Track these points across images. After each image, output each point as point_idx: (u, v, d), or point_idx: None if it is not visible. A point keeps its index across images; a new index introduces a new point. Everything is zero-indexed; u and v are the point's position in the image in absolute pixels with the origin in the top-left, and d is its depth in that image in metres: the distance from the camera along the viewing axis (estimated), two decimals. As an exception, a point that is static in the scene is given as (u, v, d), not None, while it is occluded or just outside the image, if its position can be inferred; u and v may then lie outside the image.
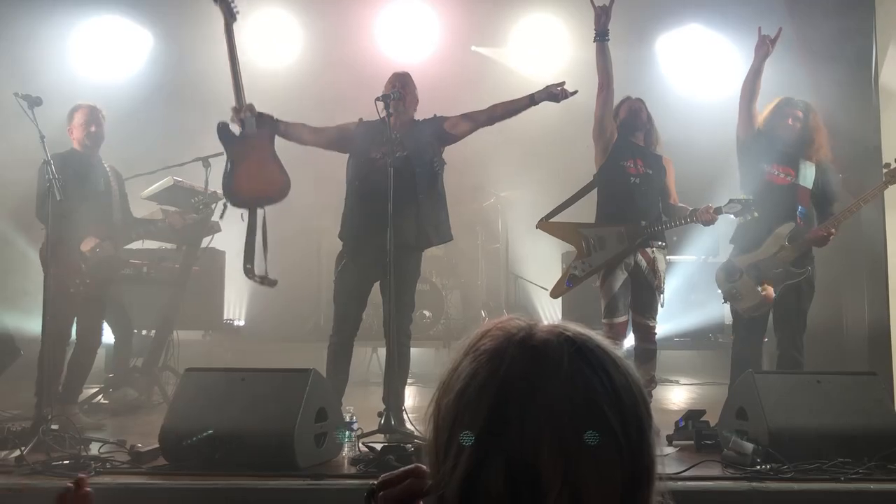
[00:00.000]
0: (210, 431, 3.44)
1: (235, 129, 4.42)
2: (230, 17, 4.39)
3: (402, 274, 4.36)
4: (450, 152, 4.86)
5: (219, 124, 4.41)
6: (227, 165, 4.40)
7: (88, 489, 1.25)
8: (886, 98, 6.01)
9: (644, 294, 4.61)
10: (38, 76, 5.69)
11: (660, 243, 4.66)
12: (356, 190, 4.54)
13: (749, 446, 3.51)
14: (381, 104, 4.35)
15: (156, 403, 5.49)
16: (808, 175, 4.57)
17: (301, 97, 7.56)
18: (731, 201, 4.54)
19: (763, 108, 4.74)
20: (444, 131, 4.56)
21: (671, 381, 7.25)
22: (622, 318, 4.57)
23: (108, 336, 5.44)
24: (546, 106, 7.97)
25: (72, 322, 4.85)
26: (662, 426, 4.14)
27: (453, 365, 0.94)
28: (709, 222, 4.60)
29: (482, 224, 8.22)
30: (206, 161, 5.73)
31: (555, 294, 4.89)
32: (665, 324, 6.62)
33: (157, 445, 3.60)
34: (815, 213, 4.63)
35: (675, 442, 4.15)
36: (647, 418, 0.90)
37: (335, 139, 4.65)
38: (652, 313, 4.63)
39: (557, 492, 0.83)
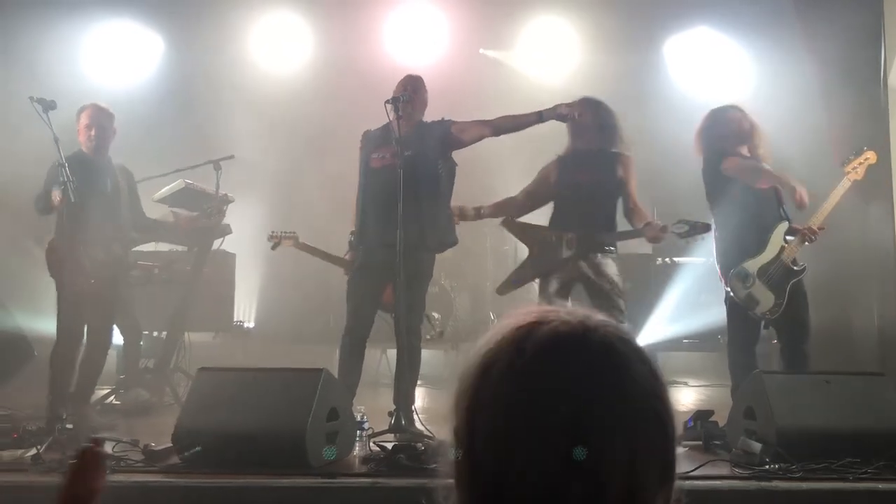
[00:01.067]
0: (198, 449, 3.47)
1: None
2: (292, 241, 5.39)
3: (411, 274, 4.38)
4: (458, 154, 4.89)
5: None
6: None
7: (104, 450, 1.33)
8: (895, 98, 6.02)
9: (598, 300, 4.61)
10: (51, 80, 5.76)
11: (608, 248, 4.70)
12: (365, 194, 4.59)
13: (757, 446, 3.52)
14: (390, 106, 4.39)
15: (167, 404, 5.52)
16: None
17: (311, 100, 7.63)
18: (679, 222, 4.58)
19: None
20: (452, 135, 4.59)
21: (680, 383, 7.25)
22: None
23: (118, 338, 5.49)
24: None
25: (83, 322, 4.83)
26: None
27: (497, 358, 0.89)
28: (655, 240, 4.67)
29: (490, 226, 8.23)
30: (217, 164, 5.78)
31: (501, 291, 5.04)
32: (673, 325, 6.67)
33: (170, 444, 3.64)
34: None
35: (683, 442, 4.16)
36: (672, 402, 0.91)
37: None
38: (611, 315, 4.60)
39: (620, 496, 0.83)
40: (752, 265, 4.62)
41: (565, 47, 8.00)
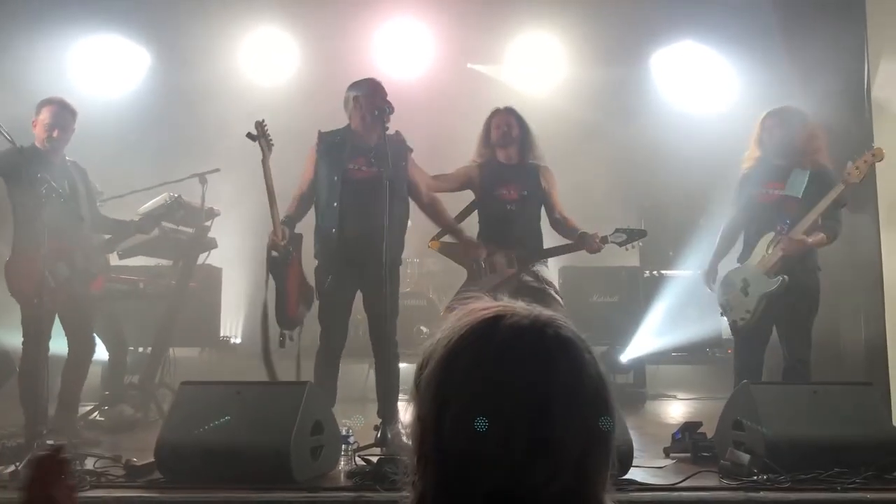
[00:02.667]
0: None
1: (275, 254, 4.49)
2: (267, 150, 4.50)
3: (380, 285, 4.28)
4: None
5: (268, 257, 4.45)
6: (276, 294, 4.50)
7: (66, 455, 1.33)
8: (878, 111, 6.06)
9: (542, 303, 4.59)
10: (37, 94, 5.67)
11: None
12: (335, 209, 4.45)
13: (746, 457, 3.51)
14: (377, 116, 4.37)
15: (152, 420, 5.46)
16: (797, 184, 4.52)
17: (298, 114, 7.61)
18: (616, 231, 4.67)
19: (752, 134, 4.78)
20: (408, 172, 4.58)
21: (668, 396, 7.23)
22: None
23: (102, 353, 5.42)
24: (545, 122, 8.03)
25: (48, 338, 4.54)
26: (660, 440, 4.15)
27: (462, 350, 0.96)
28: (594, 251, 4.68)
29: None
30: (202, 178, 5.76)
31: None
32: (661, 338, 6.66)
33: (152, 459, 3.59)
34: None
35: (672, 454, 4.14)
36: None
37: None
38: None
39: (574, 477, 0.90)
40: (737, 273, 4.67)
41: (553, 61, 8.03)
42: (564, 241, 4.88)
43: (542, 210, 4.92)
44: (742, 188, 4.79)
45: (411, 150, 4.66)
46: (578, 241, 4.69)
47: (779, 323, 4.56)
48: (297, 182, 4.68)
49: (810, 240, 4.44)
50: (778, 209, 4.55)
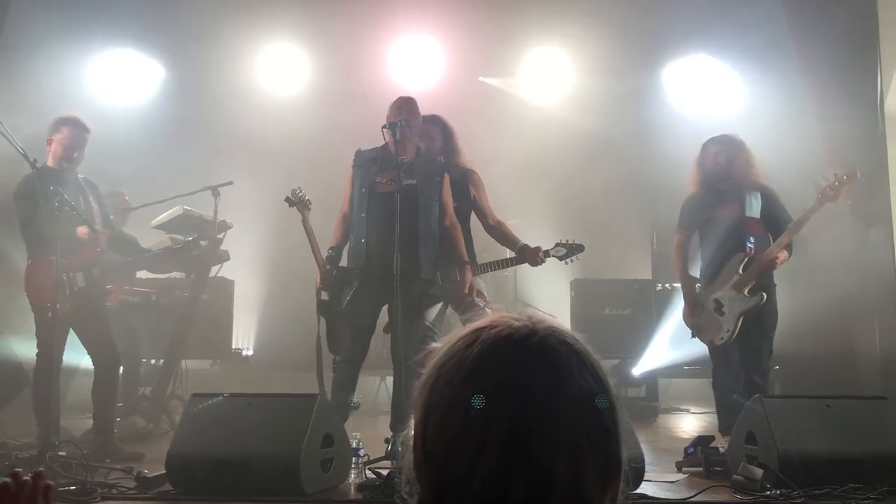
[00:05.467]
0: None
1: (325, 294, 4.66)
2: (306, 212, 4.78)
3: (409, 300, 4.35)
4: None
5: (318, 299, 4.64)
6: (328, 327, 4.65)
7: (49, 482, 1.31)
8: (892, 124, 6.03)
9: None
10: (56, 106, 5.74)
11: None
12: (363, 219, 4.55)
13: (759, 471, 3.48)
14: (388, 131, 4.40)
15: (164, 432, 5.48)
16: (753, 204, 4.69)
17: (311, 127, 7.67)
18: (557, 245, 4.75)
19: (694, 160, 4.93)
20: (443, 185, 4.60)
21: (681, 410, 7.19)
22: None
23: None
24: (552, 133, 8.07)
25: (62, 348, 4.57)
26: (673, 453, 4.12)
27: (448, 359, 0.95)
28: (536, 264, 4.71)
29: (489, 252, 8.23)
30: (215, 190, 5.79)
31: None
32: (674, 352, 6.62)
33: (163, 471, 3.60)
34: (770, 238, 4.72)
35: (684, 469, 4.11)
36: (618, 406, 0.95)
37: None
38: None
39: (564, 490, 0.87)
40: (706, 294, 4.77)
41: (564, 74, 8.07)
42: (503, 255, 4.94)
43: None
44: (691, 212, 4.90)
45: (441, 165, 4.70)
46: (520, 254, 4.72)
47: (744, 337, 4.65)
48: (341, 204, 4.77)
49: (781, 257, 4.61)
50: (740, 230, 4.67)
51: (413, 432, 0.95)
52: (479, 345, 0.93)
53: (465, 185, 4.84)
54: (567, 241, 4.80)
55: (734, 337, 4.62)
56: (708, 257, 4.81)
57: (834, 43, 6.33)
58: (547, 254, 4.68)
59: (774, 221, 4.72)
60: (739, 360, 4.68)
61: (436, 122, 4.91)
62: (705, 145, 4.86)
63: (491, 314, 0.99)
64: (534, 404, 0.88)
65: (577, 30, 7.55)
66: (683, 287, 4.98)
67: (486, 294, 4.80)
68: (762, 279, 4.61)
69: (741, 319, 4.60)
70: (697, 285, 4.83)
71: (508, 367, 0.91)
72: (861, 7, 6.22)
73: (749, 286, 4.59)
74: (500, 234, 4.89)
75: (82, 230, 4.55)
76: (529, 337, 0.93)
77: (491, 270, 4.93)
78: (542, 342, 0.93)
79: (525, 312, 0.99)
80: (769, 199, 4.71)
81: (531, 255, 4.67)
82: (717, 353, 4.75)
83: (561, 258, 4.78)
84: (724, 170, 4.73)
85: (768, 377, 4.62)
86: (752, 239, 4.63)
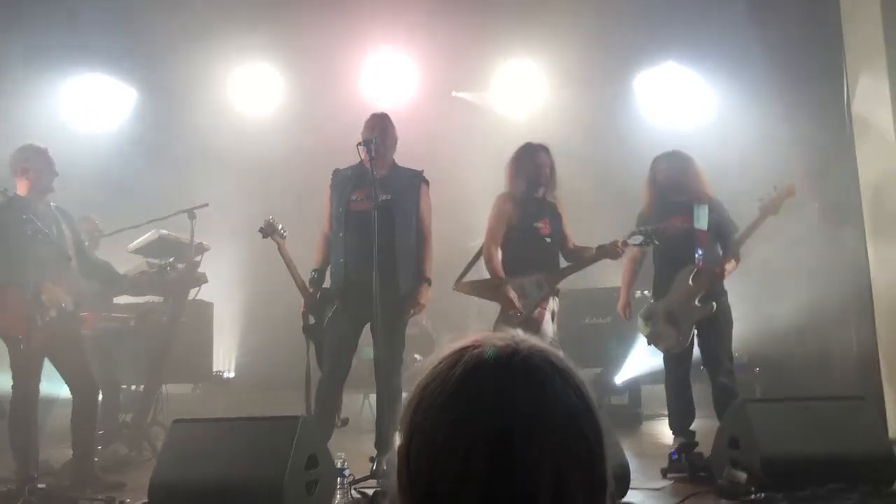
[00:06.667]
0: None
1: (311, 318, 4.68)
2: (281, 240, 4.77)
3: (391, 317, 4.35)
4: (438, 194, 4.91)
5: (304, 324, 4.66)
6: (317, 347, 4.67)
7: None
8: (859, 126, 6.13)
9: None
10: (26, 134, 5.67)
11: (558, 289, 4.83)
12: (341, 239, 4.56)
13: (742, 475, 3.50)
14: (362, 148, 4.40)
15: (146, 459, 5.41)
16: (701, 216, 4.80)
17: (286, 146, 7.66)
18: (633, 233, 4.74)
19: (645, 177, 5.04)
20: (419, 196, 4.64)
21: (665, 416, 7.18)
22: None
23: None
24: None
25: (38, 380, 4.49)
26: (656, 459, 4.14)
27: (432, 380, 0.94)
28: (617, 256, 4.72)
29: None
30: (191, 213, 5.75)
31: None
32: (656, 358, 6.66)
33: (146, 500, 3.56)
34: (719, 247, 4.84)
35: (669, 475, 4.13)
36: (604, 429, 0.94)
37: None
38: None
39: None
40: (659, 305, 4.87)
41: (537, 87, 8.12)
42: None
43: None
44: (645, 226, 4.91)
45: (420, 174, 4.72)
46: (599, 251, 4.72)
47: (703, 344, 4.76)
48: (322, 224, 4.78)
49: (729, 267, 4.75)
50: (689, 241, 4.75)
51: (397, 459, 0.94)
52: (462, 365, 0.92)
53: (557, 212, 4.85)
54: (641, 228, 4.76)
55: (689, 344, 4.74)
56: (659, 268, 4.93)
57: (800, 48, 6.44)
58: (625, 244, 4.66)
59: (722, 231, 4.84)
60: (704, 366, 4.79)
61: (546, 151, 4.88)
62: (655, 161, 4.97)
63: (473, 334, 0.98)
64: (518, 424, 0.87)
65: (547, 42, 7.61)
66: (622, 298, 5.15)
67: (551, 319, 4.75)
68: (712, 289, 4.71)
69: (695, 328, 4.71)
70: (642, 293, 4.85)
71: (492, 387, 0.90)
72: (825, 14, 6.33)
73: (699, 296, 4.69)
74: (577, 254, 4.88)
75: (50, 296, 4.47)
76: (512, 356, 0.92)
77: (575, 271, 4.85)
78: (525, 361, 0.92)
79: (508, 332, 0.98)
80: (715, 211, 4.82)
81: (611, 250, 4.65)
82: (673, 359, 4.85)
83: (640, 245, 4.76)
84: (676, 182, 4.83)
85: (734, 376, 4.71)
86: (699, 251, 4.73)
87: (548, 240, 4.76)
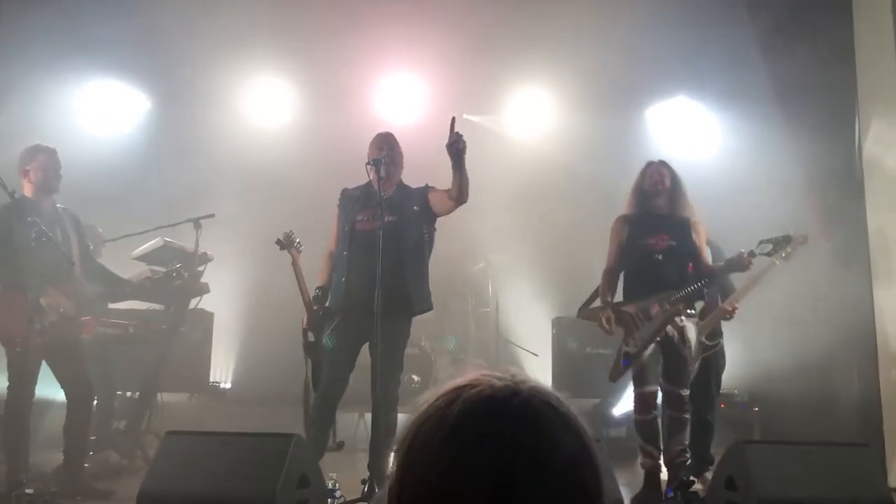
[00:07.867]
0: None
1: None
2: (297, 255, 4.76)
3: (391, 339, 4.32)
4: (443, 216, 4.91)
5: (304, 340, 4.67)
6: (313, 366, 4.68)
7: None
8: (869, 169, 6.12)
9: (674, 362, 4.58)
10: (39, 138, 5.68)
11: (690, 311, 4.67)
12: (345, 258, 4.55)
13: (739, 518, 3.45)
14: (371, 168, 4.40)
15: (138, 467, 5.37)
16: (682, 236, 4.68)
17: (294, 161, 7.67)
18: (761, 242, 4.66)
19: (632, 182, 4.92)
20: (429, 206, 4.61)
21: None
22: (652, 388, 4.61)
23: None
24: (535, 171, 8.11)
25: (34, 382, 4.46)
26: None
27: (427, 418, 0.91)
28: (746, 268, 4.63)
29: (472, 288, 8.23)
30: (197, 222, 5.76)
31: (613, 377, 4.76)
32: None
33: (134, 511, 3.52)
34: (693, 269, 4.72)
35: (664, 514, 4.08)
36: (602, 473, 0.92)
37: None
38: (683, 382, 4.58)
39: None
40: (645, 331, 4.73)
41: (547, 115, 8.17)
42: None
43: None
44: (626, 233, 4.83)
45: (425, 186, 4.70)
46: (727, 265, 4.68)
47: (698, 379, 4.77)
48: (329, 242, 4.79)
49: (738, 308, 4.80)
50: (668, 262, 4.63)
51: (388, 492, 0.92)
52: (459, 404, 0.89)
53: (688, 231, 4.73)
54: (772, 237, 4.67)
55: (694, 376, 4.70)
56: (635, 286, 4.73)
57: (812, 88, 6.44)
58: (753, 254, 4.58)
59: (696, 256, 4.73)
60: (690, 399, 4.64)
61: (665, 165, 4.85)
62: (645, 167, 4.86)
63: (471, 372, 0.95)
64: (516, 469, 0.84)
65: (560, 71, 7.63)
66: (603, 312, 4.74)
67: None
68: (717, 326, 4.73)
69: (701, 362, 4.70)
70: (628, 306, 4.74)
71: (490, 428, 0.87)
72: (840, 54, 6.34)
73: (708, 332, 4.69)
74: (708, 272, 4.75)
75: (51, 301, 4.46)
76: (512, 398, 0.89)
77: (704, 289, 4.72)
78: (525, 403, 0.89)
79: (508, 371, 0.95)
80: (694, 232, 4.71)
81: (738, 264, 4.59)
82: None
83: (769, 254, 4.65)
84: (663, 190, 4.73)
85: (716, 417, 4.76)
86: (704, 288, 4.64)
87: (658, 256, 4.64)
